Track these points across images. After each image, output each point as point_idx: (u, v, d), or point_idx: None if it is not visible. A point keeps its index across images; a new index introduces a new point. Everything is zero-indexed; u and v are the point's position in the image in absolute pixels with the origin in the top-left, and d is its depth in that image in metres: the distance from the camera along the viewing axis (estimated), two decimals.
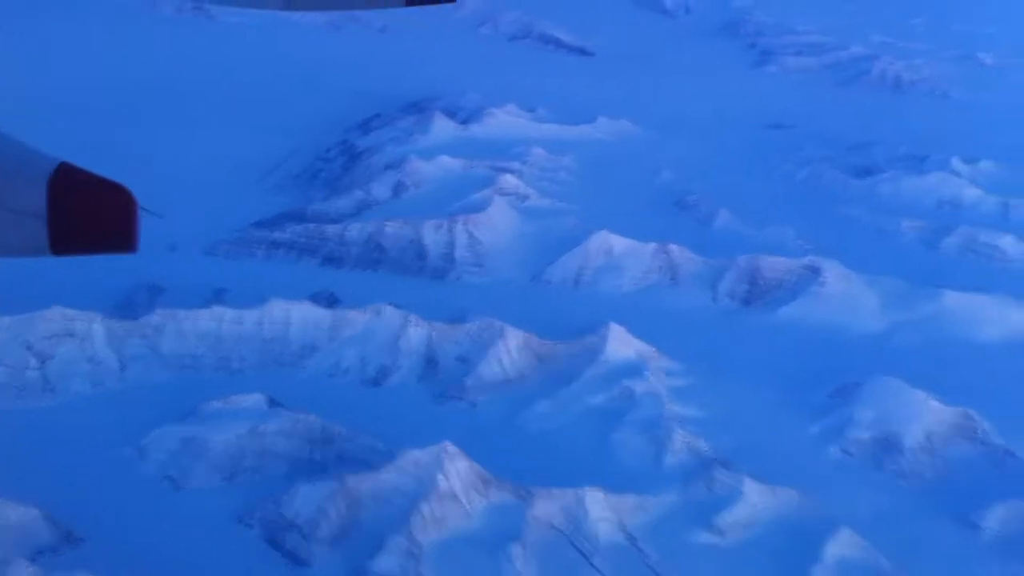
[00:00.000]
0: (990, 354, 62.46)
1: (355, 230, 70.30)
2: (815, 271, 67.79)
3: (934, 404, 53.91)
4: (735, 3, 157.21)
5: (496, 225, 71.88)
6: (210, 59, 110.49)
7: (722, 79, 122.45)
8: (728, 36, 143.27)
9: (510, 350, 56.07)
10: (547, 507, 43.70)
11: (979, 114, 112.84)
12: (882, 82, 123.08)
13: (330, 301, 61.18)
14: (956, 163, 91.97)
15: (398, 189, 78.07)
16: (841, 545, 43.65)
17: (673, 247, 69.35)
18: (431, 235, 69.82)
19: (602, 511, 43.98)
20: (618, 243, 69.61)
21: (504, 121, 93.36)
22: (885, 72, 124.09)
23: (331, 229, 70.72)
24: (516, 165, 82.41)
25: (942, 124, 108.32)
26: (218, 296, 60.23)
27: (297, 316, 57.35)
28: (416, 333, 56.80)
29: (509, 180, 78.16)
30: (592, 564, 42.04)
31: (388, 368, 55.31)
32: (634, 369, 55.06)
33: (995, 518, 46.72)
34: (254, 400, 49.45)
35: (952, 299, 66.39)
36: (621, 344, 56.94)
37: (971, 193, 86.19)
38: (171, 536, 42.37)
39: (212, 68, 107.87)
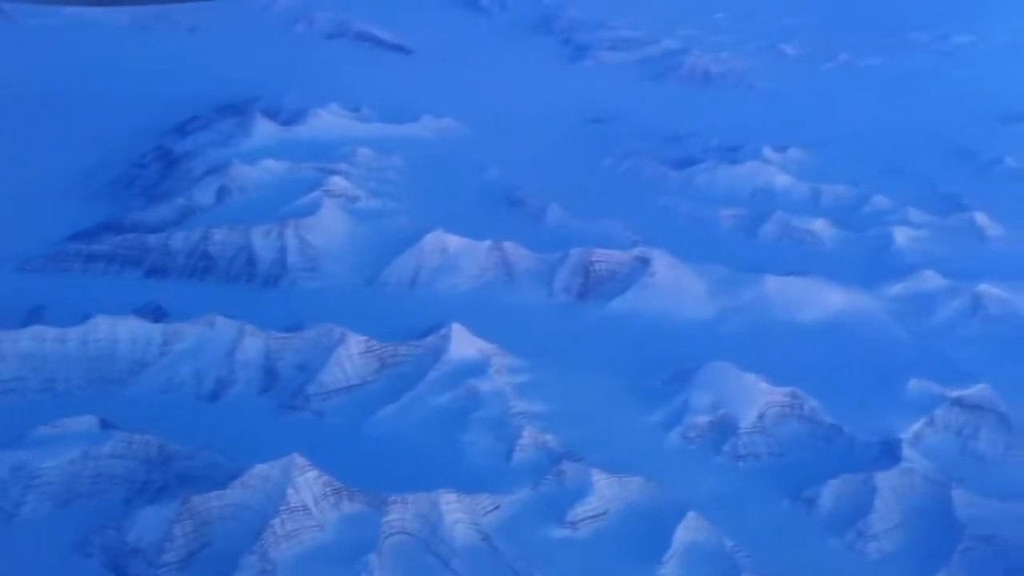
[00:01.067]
0: (811, 334, 65.59)
1: (179, 239, 67.62)
2: (645, 262, 69.53)
3: (764, 386, 56.12)
4: (548, 0, 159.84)
5: (328, 228, 70.60)
6: (9, 63, 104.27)
7: (540, 75, 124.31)
8: (543, 32, 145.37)
9: (351, 355, 55.17)
10: (401, 513, 43.20)
11: (784, 103, 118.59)
12: (692, 75, 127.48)
13: (157, 314, 58.61)
14: (767, 152, 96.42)
15: (222, 194, 75.55)
16: (688, 529, 44.98)
17: (507, 244, 69.79)
18: (261, 241, 67.94)
19: (456, 513, 43.81)
20: (452, 242, 69.53)
21: (328, 121, 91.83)
22: (695, 65, 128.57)
23: (153, 239, 67.79)
24: (343, 166, 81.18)
25: (751, 114, 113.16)
26: (37, 315, 56.89)
27: (124, 332, 54.74)
28: (252, 343, 55.21)
29: (338, 182, 76.91)
30: (450, 568, 41.83)
31: (225, 381, 53.52)
32: (477, 368, 55.15)
33: (829, 494, 49.04)
34: (85, 422, 46.91)
35: (773, 283, 69.32)
36: (463, 343, 56.87)
37: (783, 180, 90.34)
38: (5, 570, 39.80)
39: (11, 73, 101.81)
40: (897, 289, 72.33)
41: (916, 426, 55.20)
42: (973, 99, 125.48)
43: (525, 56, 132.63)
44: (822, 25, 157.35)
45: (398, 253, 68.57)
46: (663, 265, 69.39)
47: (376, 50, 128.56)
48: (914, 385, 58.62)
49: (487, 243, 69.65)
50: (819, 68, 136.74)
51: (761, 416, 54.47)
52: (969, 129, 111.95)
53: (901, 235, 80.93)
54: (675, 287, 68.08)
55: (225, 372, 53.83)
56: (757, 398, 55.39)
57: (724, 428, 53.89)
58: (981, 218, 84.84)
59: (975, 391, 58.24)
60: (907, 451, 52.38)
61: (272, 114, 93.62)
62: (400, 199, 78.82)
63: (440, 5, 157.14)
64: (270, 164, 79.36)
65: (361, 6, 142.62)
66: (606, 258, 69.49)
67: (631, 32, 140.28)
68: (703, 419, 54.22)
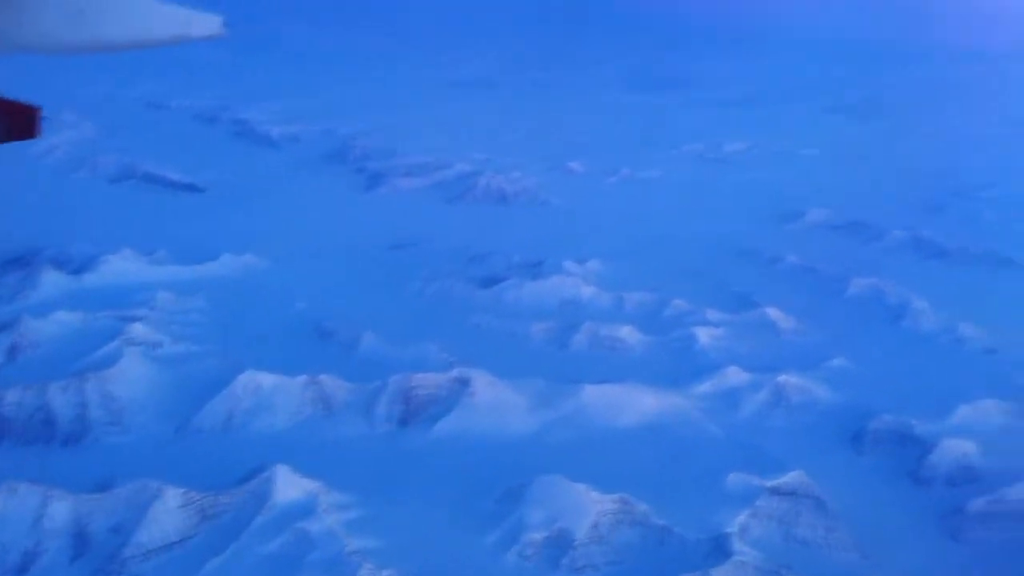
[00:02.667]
0: (631, 438, 66.90)
1: None
2: (464, 382, 69.56)
3: (594, 495, 56.61)
4: (340, 131, 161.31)
5: (130, 378, 67.36)
6: None
7: (338, 205, 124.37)
8: (337, 162, 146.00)
9: (169, 510, 52.21)
10: None
11: (578, 218, 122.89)
12: (488, 195, 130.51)
13: None
14: (569, 265, 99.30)
15: (13, 352, 71.04)
16: None
17: (323, 377, 68.48)
18: (59, 398, 64.06)
19: None
20: (266, 380, 67.63)
21: (121, 267, 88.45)
22: (489, 186, 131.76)
23: None
24: (143, 312, 78.13)
25: (548, 230, 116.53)
26: None
27: None
28: (59, 508, 51.50)
29: (138, 329, 73.81)
30: None
31: (33, 552, 49.55)
32: (305, 509, 53.22)
33: None
34: None
35: (590, 392, 70.66)
36: (287, 485, 54.87)
37: (587, 291, 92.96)
38: None
39: None
40: (705, 387, 75.28)
41: (741, 518, 56.84)
42: (750, 202, 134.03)
43: (321, 187, 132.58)
44: (604, 142, 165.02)
45: (209, 397, 66.02)
46: (482, 384, 69.61)
47: (167, 191, 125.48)
48: (734, 478, 60.62)
49: (302, 378, 68.14)
50: (605, 182, 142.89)
51: (595, 525, 54.73)
52: (750, 230, 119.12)
53: (703, 335, 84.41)
54: (496, 405, 68.28)
55: (32, 543, 49.89)
56: (589, 508, 55.72)
57: (560, 542, 53.83)
58: (773, 313, 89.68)
59: (790, 478, 60.78)
60: (736, 544, 53.68)
61: (60, 264, 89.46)
62: (206, 341, 76.18)
63: (229, 141, 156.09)
64: (62, 316, 75.48)
65: (147, 147, 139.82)
66: (425, 382, 69.13)
67: (424, 157, 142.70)
68: (539, 535, 54.03)
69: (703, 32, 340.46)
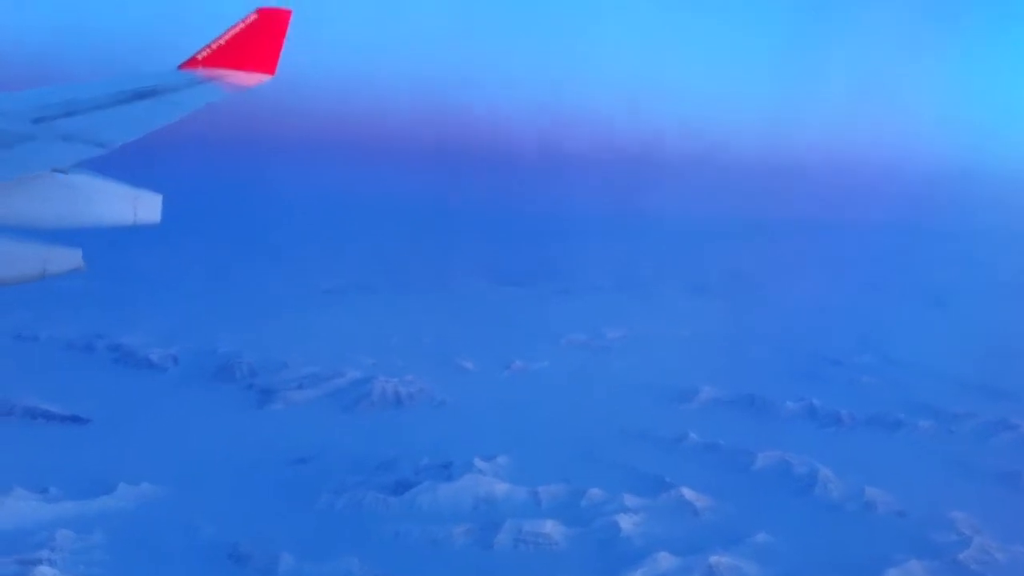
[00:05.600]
0: None
1: None
2: None
3: None
4: (222, 348, 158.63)
5: None
6: None
7: (232, 424, 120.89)
8: (224, 381, 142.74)
9: None
10: None
11: (478, 415, 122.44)
12: (384, 400, 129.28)
13: None
14: (478, 463, 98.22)
15: None
16: None
17: None
18: None
19: None
20: None
21: (15, 508, 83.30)
22: (384, 390, 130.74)
23: None
24: (44, 553, 73.47)
25: (450, 430, 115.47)
26: None
27: None
28: None
29: (45, 572, 69.29)
30: None
31: None
32: None
33: None
34: None
35: None
36: None
37: (501, 488, 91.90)
38: None
39: None
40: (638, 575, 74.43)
41: None
42: (641, 385, 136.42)
43: (211, 408, 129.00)
44: (490, 337, 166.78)
45: None
46: None
47: (50, 425, 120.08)
48: None
49: None
50: (498, 377, 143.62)
51: None
52: (648, 413, 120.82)
53: (624, 522, 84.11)
54: None
55: None
56: None
57: None
58: (688, 493, 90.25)
59: None
60: None
61: None
62: None
63: (108, 368, 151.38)
64: None
65: (23, 381, 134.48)
66: None
67: (313, 368, 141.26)
68: None
69: (565, 223, 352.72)
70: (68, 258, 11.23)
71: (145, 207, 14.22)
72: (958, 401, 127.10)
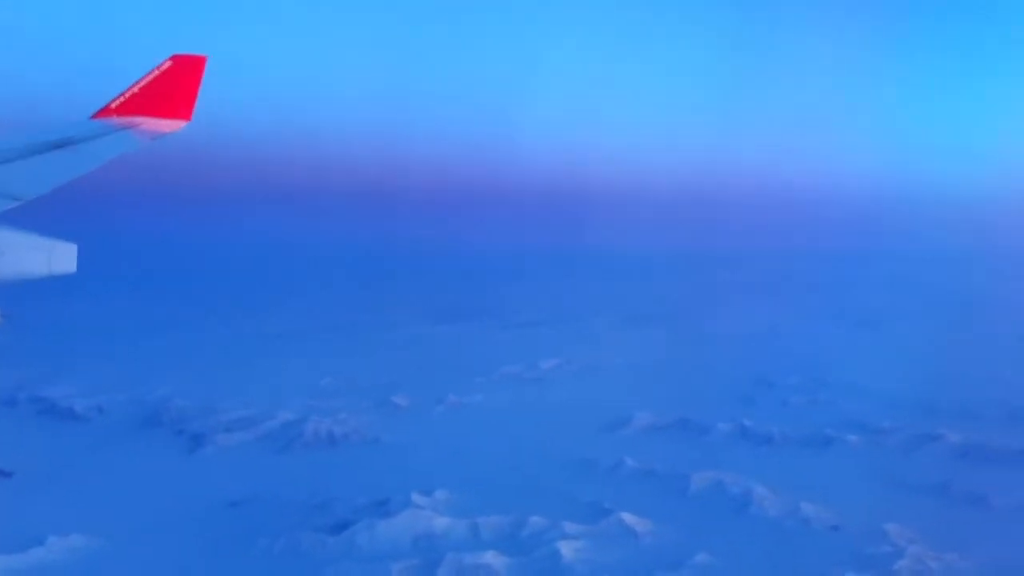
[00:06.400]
0: None
1: None
2: None
3: None
4: (148, 396, 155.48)
5: None
6: None
7: (162, 472, 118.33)
8: (152, 427, 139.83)
9: None
10: None
11: (413, 451, 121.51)
12: (317, 440, 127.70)
13: None
14: (416, 498, 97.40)
15: None
16: None
17: None
18: None
19: None
20: None
21: None
22: (317, 431, 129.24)
23: None
24: None
25: (386, 467, 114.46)
26: None
27: None
28: None
29: None
30: None
31: None
32: None
33: None
34: None
35: None
36: None
37: (441, 522, 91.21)
38: None
39: None
40: None
41: None
42: (575, 414, 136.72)
43: (139, 455, 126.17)
44: (422, 374, 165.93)
45: None
46: None
47: None
48: None
49: None
50: (432, 412, 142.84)
51: None
52: (583, 441, 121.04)
53: (565, 549, 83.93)
54: None
55: None
56: None
57: None
58: (628, 518, 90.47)
59: None
60: None
61: None
62: None
63: (31, 420, 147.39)
64: None
65: None
66: None
67: (244, 411, 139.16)
68: None
69: (499, 259, 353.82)
70: None
71: (60, 258, 14.02)
72: (886, 416, 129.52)
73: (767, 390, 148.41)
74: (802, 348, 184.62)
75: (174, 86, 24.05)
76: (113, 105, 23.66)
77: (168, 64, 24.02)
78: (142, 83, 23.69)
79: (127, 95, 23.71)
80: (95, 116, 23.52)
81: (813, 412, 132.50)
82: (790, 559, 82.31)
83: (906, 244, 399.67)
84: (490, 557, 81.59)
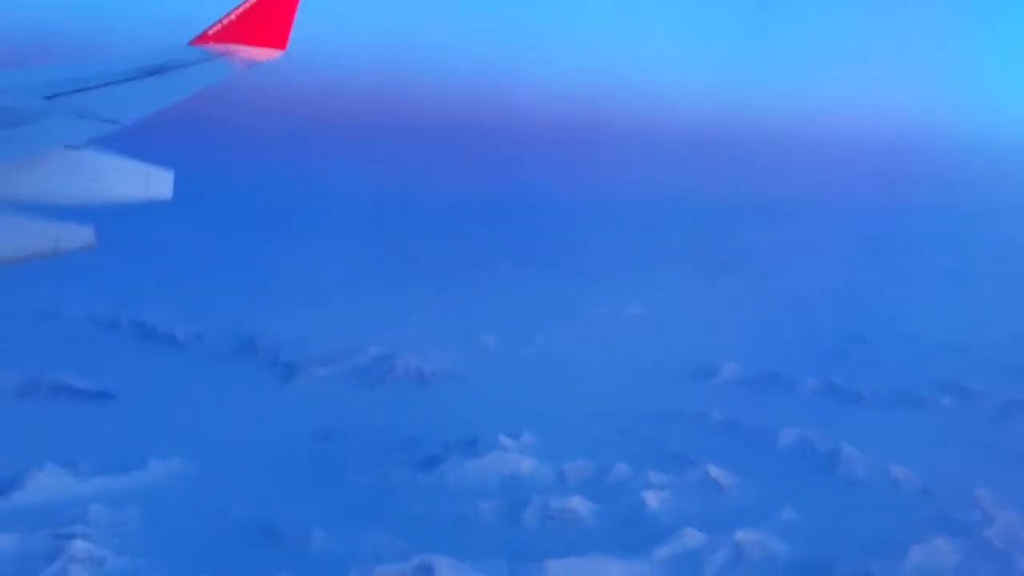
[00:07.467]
0: None
1: None
2: (427, 570, 68.14)
3: None
4: (245, 325, 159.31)
5: None
6: None
7: (257, 400, 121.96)
8: (248, 356, 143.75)
9: None
10: None
11: (501, 392, 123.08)
12: (407, 377, 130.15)
13: None
14: (504, 440, 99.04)
15: None
16: None
17: None
18: None
19: None
20: None
21: (48, 484, 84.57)
22: (407, 367, 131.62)
23: None
24: (80, 528, 74.66)
25: (474, 406, 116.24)
26: None
27: None
28: None
29: (79, 546, 70.49)
30: None
31: None
32: None
33: None
34: None
35: (555, 569, 69.91)
36: None
37: (527, 464, 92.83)
38: None
39: None
40: (664, 552, 75.31)
41: None
42: (662, 363, 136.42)
43: (235, 383, 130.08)
44: (510, 316, 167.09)
45: None
46: (446, 570, 68.57)
47: (77, 401, 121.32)
48: None
49: None
50: (520, 354, 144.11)
51: None
52: (669, 390, 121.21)
53: (650, 499, 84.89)
54: None
55: None
56: None
57: None
58: (714, 471, 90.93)
59: None
60: None
61: None
62: (151, 554, 72.93)
63: (133, 344, 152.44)
64: None
65: (49, 358, 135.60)
66: (389, 575, 67.37)
67: (337, 343, 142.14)
68: None
69: (581, 205, 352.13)
70: (80, 235, 11.33)
71: (156, 184, 14.23)
72: (980, 379, 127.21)
73: (857, 346, 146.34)
74: (891, 304, 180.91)
75: (269, 15, 24.26)
76: (210, 32, 23.98)
77: None
78: (238, 11, 24.04)
79: (224, 23, 24.06)
80: (192, 43, 23.93)
81: (905, 371, 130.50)
82: (878, 521, 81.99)
83: (983, 197, 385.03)
84: (576, 502, 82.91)
